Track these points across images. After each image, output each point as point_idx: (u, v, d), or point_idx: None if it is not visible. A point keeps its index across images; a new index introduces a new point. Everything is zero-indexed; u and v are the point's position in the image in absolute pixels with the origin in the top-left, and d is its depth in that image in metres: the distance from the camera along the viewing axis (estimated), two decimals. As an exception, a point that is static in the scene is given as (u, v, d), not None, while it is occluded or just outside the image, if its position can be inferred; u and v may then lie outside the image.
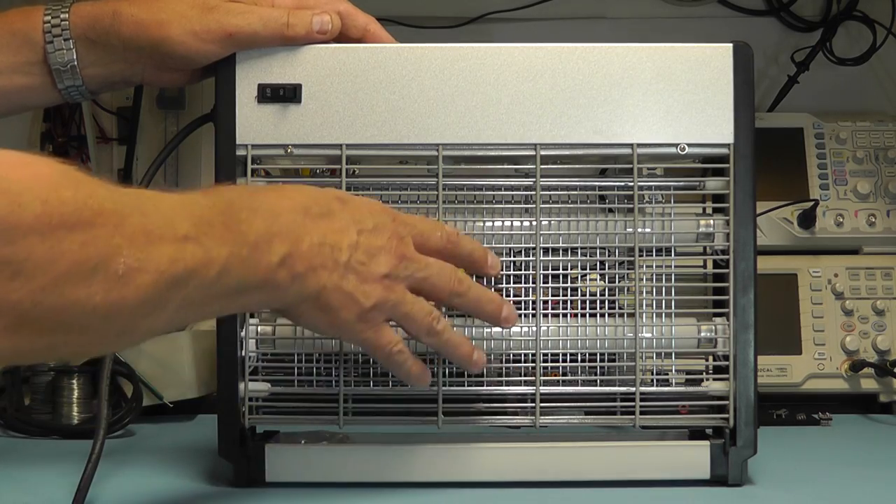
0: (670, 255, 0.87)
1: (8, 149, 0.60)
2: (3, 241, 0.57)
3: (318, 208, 0.75)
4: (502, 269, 0.86)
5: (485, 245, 0.86)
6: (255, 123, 0.85)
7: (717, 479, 0.86)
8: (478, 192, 0.88)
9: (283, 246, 0.72)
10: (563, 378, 0.87)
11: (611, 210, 0.88)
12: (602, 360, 0.87)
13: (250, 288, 0.71)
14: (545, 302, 0.86)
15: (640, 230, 0.86)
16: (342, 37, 0.87)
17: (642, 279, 0.86)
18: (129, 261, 0.62)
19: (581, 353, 0.87)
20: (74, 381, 1.09)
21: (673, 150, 0.86)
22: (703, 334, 0.87)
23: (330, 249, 0.75)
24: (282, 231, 0.73)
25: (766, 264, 1.20)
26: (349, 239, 0.76)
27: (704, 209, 0.89)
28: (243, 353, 0.85)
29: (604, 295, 0.88)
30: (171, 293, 0.65)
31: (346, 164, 0.85)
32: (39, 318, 0.59)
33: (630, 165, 0.85)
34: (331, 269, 0.75)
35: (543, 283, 0.86)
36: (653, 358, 0.87)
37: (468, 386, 0.86)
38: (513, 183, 0.87)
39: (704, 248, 0.88)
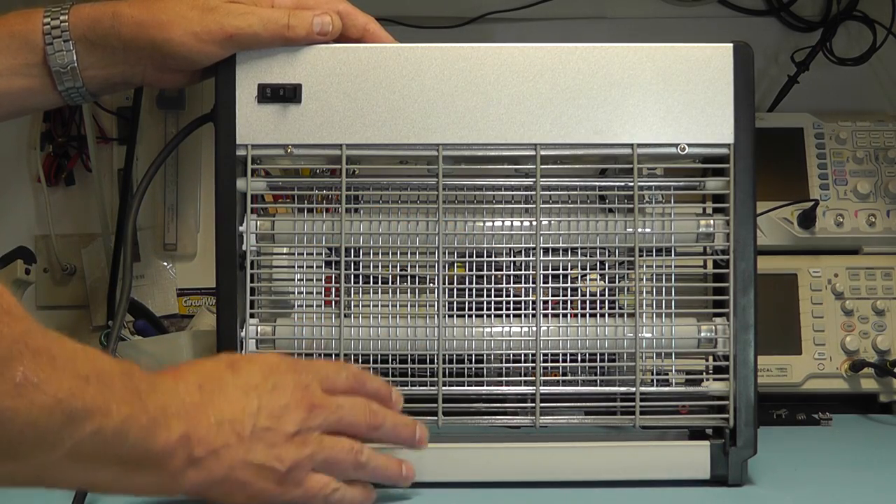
0: (670, 255, 0.87)
1: None
2: None
3: (210, 384, 0.72)
4: (503, 269, 0.86)
5: (485, 245, 0.86)
6: (255, 123, 0.85)
7: (717, 480, 0.86)
8: (478, 192, 0.88)
9: (181, 425, 0.68)
10: (563, 378, 0.87)
11: (611, 210, 0.88)
12: (602, 360, 0.87)
13: (145, 464, 0.67)
14: (545, 302, 0.86)
15: (640, 230, 0.86)
16: (342, 37, 0.87)
17: (642, 279, 0.86)
18: (29, 373, 0.60)
19: (581, 353, 0.87)
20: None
21: (673, 150, 0.86)
22: (703, 334, 0.87)
23: (230, 425, 0.71)
24: (178, 412, 0.69)
25: (766, 264, 1.20)
26: (249, 408, 0.72)
27: (704, 209, 0.89)
28: (243, 353, 0.85)
29: (604, 295, 0.88)
30: (64, 429, 0.62)
31: (346, 164, 0.85)
32: None
33: (630, 165, 0.86)
34: (234, 446, 0.71)
35: (543, 283, 0.86)
36: (653, 358, 0.87)
37: (468, 386, 0.86)
38: (513, 183, 0.87)
39: (704, 248, 0.88)
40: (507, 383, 0.87)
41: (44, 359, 0.61)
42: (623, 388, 0.86)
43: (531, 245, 0.86)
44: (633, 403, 0.86)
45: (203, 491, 0.71)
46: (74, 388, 0.62)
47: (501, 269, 0.87)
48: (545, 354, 0.86)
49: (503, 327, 0.86)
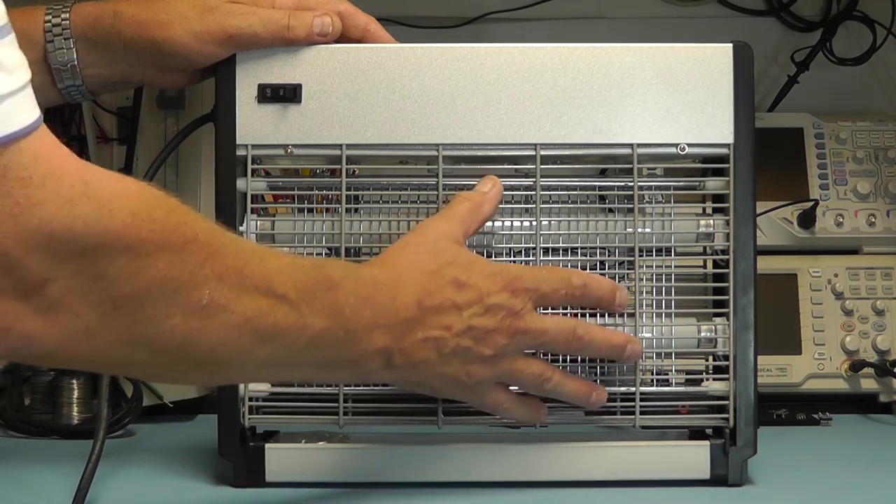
0: (670, 255, 0.87)
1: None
2: (88, 243, 0.58)
3: (431, 300, 0.75)
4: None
5: (485, 245, 0.86)
6: (255, 123, 0.85)
7: (717, 479, 0.86)
8: (478, 192, 0.88)
9: (385, 339, 0.73)
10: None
11: (611, 210, 0.88)
12: (602, 361, 0.87)
13: (339, 365, 0.73)
14: (545, 302, 0.86)
15: (640, 230, 0.86)
16: (342, 37, 0.87)
17: (642, 279, 0.86)
18: (216, 295, 0.63)
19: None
20: (74, 381, 1.08)
21: (673, 150, 0.86)
22: (703, 334, 0.87)
23: (434, 343, 0.75)
24: (388, 324, 0.73)
25: (766, 264, 1.20)
26: (458, 327, 0.76)
27: (704, 209, 0.89)
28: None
29: (604, 295, 0.88)
30: (255, 345, 0.66)
31: (346, 164, 0.85)
32: (117, 326, 0.60)
33: (630, 165, 0.86)
34: (433, 361, 0.76)
35: (543, 283, 0.86)
36: (653, 358, 0.87)
37: (468, 386, 0.86)
38: (513, 183, 0.87)
39: (704, 248, 0.88)
40: (508, 383, 0.87)
41: (232, 280, 0.64)
42: (623, 388, 0.86)
43: (531, 245, 0.86)
44: (633, 403, 0.86)
45: (394, 383, 0.80)
46: (265, 306, 0.66)
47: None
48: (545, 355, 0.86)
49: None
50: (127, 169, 1.34)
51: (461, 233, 0.81)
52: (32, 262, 0.57)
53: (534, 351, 0.81)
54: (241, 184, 0.86)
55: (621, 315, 0.86)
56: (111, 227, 0.59)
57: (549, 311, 0.83)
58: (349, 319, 0.71)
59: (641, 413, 0.86)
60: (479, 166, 0.87)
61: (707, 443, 0.86)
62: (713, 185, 0.87)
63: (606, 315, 0.86)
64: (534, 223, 0.86)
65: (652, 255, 0.87)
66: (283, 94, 0.85)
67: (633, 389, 0.86)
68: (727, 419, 0.86)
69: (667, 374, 0.87)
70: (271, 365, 0.69)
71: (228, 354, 0.65)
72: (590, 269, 0.87)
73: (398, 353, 0.74)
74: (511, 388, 0.82)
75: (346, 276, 0.73)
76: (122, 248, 0.59)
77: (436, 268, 0.77)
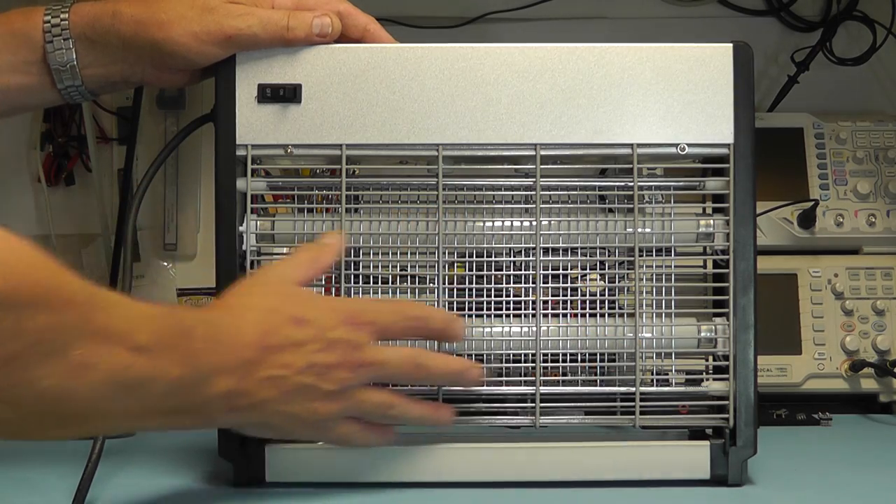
0: (670, 255, 0.87)
1: None
2: None
3: (270, 339, 0.75)
4: (503, 269, 0.86)
5: (485, 245, 0.86)
6: (255, 123, 0.85)
7: (717, 479, 0.86)
8: (478, 192, 0.88)
9: (229, 381, 0.73)
10: (563, 378, 0.87)
11: (611, 210, 0.88)
12: (602, 360, 0.87)
13: (186, 411, 0.72)
14: (545, 302, 0.86)
15: (640, 230, 0.86)
16: (342, 37, 0.87)
17: (642, 279, 0.86)
18: (87, 354, 0.64)
19: (581, 353, 0.87)
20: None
21: (673, 150, 0.86)
22: (703, 334, 0.87)
23: (275, 382, 0.75)
24: (231, 367, 0.73)
25: (766, 264, 1.20)
26: (299, 364, 0.76)
27: (704, 209, 0.89)
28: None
29: (604, 295, 0.88)
30: (119, 398, 0.66)
31: (346, 164, 0.85)
32: None
33: (630, 165, 0.86)
34: (275, 400, 0.75)
35: (543, 283, 0.86)
36: (653, 358, 0.87)
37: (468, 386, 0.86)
38: (513, 183, 0.87)
39: (704, 248, 0.88)
40: (507, 383, 0.87)
41: (101, 338, 0.64)
42: (623, 388, 0.86)
43: (531, 245, 0.86)
44: (633, 403, 0.86)
45: (237, 427, 0.78)
46: (129, 361, 0.66)
47: (501, 269, 0.87)
48: (545, 354, 0.86)
49: (503, 327, 0.86)
50: (127, 169, 1.34)
51: (300, 275, 0.81)
52: None
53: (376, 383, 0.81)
54: (241, 184, 0.86)
55: (621, 315, 0.87)
56: None
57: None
58: (200, 366, 0.71)
59: (641, 413, 0.86)
60: (479, 166, 0.87)
61: (707, 443, 0.86)
62: (713, 185, 0.87)
63: (607, 315, 0.86)
64: (534, 223, 0.86)
65: (652, 255, 0.87)
66: (283, 94, 0.85)
67: (633, 389, 0.86)
68: (727, 419, 0.86)
69: (667, 374, 0.87)
70: (130, 416, 0.69)
71: (90, 411, 0.66)
72: (590, 269, 0.87)
73: (240, 395, 0.74)
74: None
75: (197, 321, 0.73)
76: (3, 309, 0.60)
77: (275, 306, 0.77)
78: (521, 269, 0.87)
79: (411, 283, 0.88)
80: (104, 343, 0.65)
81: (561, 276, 0.87)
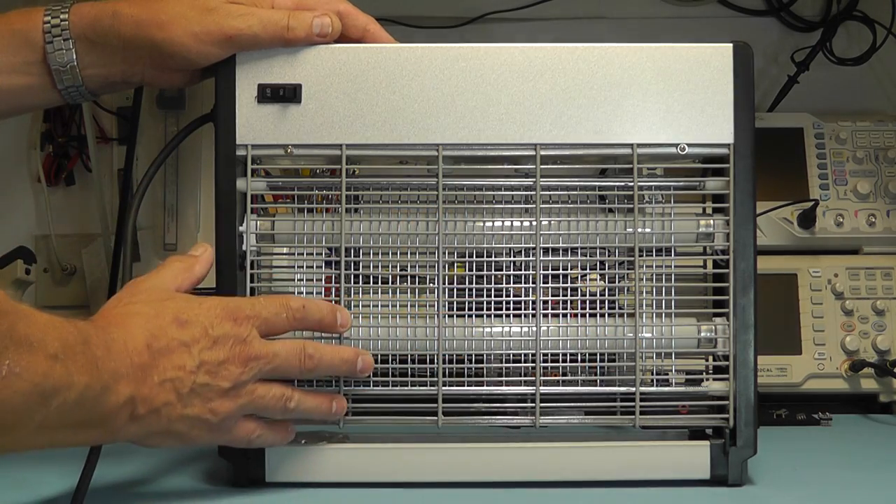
0: (670, 255, 0.87)
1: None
2: None
3: (157, 342, 0.75)
4: (503, 269, 0.86)
5: (485, 245, 0.86)
6: (255, 123, 0.85)
7: (717, 479, 0.86)
8: (478, 192, 0.88)
9: (128, 388, 0.73)
10: (563, 378, 0.87)
11: (611, 210, 0.88)
12: (602, 360, 0.87)
13: (93, 423, 0.72)
14: (545, 302, 0.86)
15: (640, 230, 0.86)
16: (342, 37, 0.87)
17: (642, 279, 0.86)
18: (13, 364, 0.64)
19: (581, 353, 0.87)
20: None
21: (673, 150, 0.86)
22: (703, 334, 0.87)
23: (171, 384, 0.76)
24: (127, 375, 0.73)
25: (766, 264, 1.20)
26: (190, 365, 0.76)
27: (704, 209, 0.89)
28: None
29: (604, 295, 0.88)
30: (35, 409, 0.66)
31: (346, 164, 0.85)
32: None
33: (630, 165, 0.86)
34: (174, 404, 0.76)
35: (543, 283, 0.86)
36: (653, 358, 0.87)
37: (468, 386, 0.86)
38: (513, 183, 0.87)
39: (704, 248, 0.88)
40: (507, 383, 0.87)
41: (24, 348, 0.65)
42: (623, 388, 0.86)
43: (531, 245, 0.86)
44: (633, 403, 0.86)
45: (140, 440, 0.77)
46: (47, 369, 0.66)
47: (501, 269, 0.87)
48: (545, 354, 0.86)
49: (503, 327, 0.86)
50: (127, 169, 1.34)
51: (173, 285, 0.81)
52: None
53: (269, 377, 0.81)
54: (241, 184, 0.86)
55: (621, 315, 0.87)
56: None
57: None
58: (102, 373, 0.71)
59: (641, 413, 0.86)
60: (479, 166, 0.87)
61: (707, 443, 0.86)
62: (713, 185, 0.87)
63: (607, 315, 0.87)
64: (534, 223, 0.86)
65: (652, 255, 0.87)
66: (283, 94, 0.85)
67: (633, 389, 0.86)
68: (727, 419, 0.86)
69: (667, 374, 0.87)
70: (41, 429, 0.68)
71: (12, 421, 0.66)
72: (590, 269, 0.87)
73: (140, 402, 0.74)
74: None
75: (91, 329, 0.73)
76: None
77: (154, 311, 0.77)
78: (521, 269, 0.87)
79: (411, 283, 0.88)
80: (27, 352, 0.65)
81: (561, 276, 0.87)
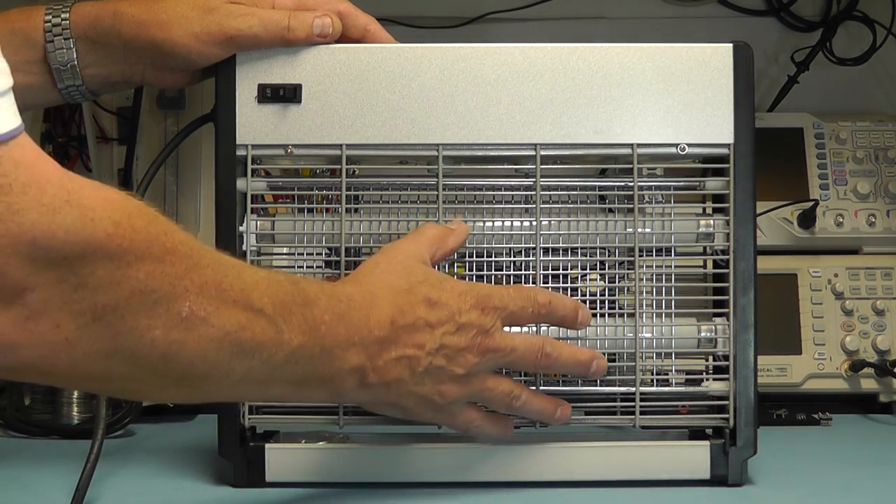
0: (670, 255, 0.87)
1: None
2: (70, 251, 0.58)
3: (404, 318, 0.76)
4: (503, 269, 0.86)
5: (485, 245, 0.86)
6: (255, 123, 0.85)
7: (717, 479, 0.86)
8: (478, 192, 0.88)
9: (360, 357, 0.73)
10: (564, 378, 0.86)
11: (611, 210, 0.88)
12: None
13: (314, 383, 0.72)
14: (545, 302, 0.86)
15: (640, 230, 0.86)
16: (343, 37, 0.87)
17: (642, 279, 0.86)
18: (196, 307, 0.63)
19: (581, 353, 0.86)
20: (74, 382, 1.08)
21: (673, 150, 0.86)
22: (703, 334, 0.87)
23: (408, 361, 0.76)
24: (362, 343, 0.73)
25: (766, 264, 1.20)
26: (430, 346, 0.76)
27: (704, 209, 0.89)
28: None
29: (604, 295, 0.88)
30: (233, 360, 0.66)
31: (346, 164, 0.85)
32: (97, 337, 0.60)
33: (630, 165, 0.86)
34: (406, 380, 0.76)
35: (543, 283, 0.86)
36: (653, 358, 0.87)
37: (468, 386, 0.86)
38: (513, 183, 0.87)
39: (704, 248, 0.88)
40: (508, 383, 0.87)
41: (212, 293, 0.64)
42: (623, 388, 0.86)
43: (531, 245, 0.86)
44: (633, 403, 0.86)
45: (366, 404, 0.79)
46: (243, 320, 0.66)
47: (501, 269, 0.87)
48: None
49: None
50: (127, 169, 1.34)
51: (428, 255, 0.81)
52: (13, 269, 0.57)
53: (501, 369, 0.82)
54: (241, 184, 0.86)
55: (621, 315, 0.87)
56: (94, 236, 0.58)
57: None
58: (325, 336, 0.71)
59: (641, 413, 0.86)
60: (479, 166, 0.87)
61: (707, 443, 0.86)
62: (713, 185, 0.87)
63: (607, 314, 0.87)
64: (534, 223, 0.86)
65: (652, 255, 0.87)
66: (283, 94, 0.85)
67: (633, 389, 0.86)
68: (727, 419, 0.86)
69: (667, 374, 0.87)
70: (248, 381, 0.68)
71: (206, 369, 0.65)
72: (590, 269, 0.87)
73: (372, 372, 0.74)
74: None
75: (322, 293, 0.73)
76: (104, 256, 0.59)
77: (408, 286, 0.77)
78: (521, 270, 0.87)
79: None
80: (216, 299, 0.64)
81: (561, 276, 0.87)
